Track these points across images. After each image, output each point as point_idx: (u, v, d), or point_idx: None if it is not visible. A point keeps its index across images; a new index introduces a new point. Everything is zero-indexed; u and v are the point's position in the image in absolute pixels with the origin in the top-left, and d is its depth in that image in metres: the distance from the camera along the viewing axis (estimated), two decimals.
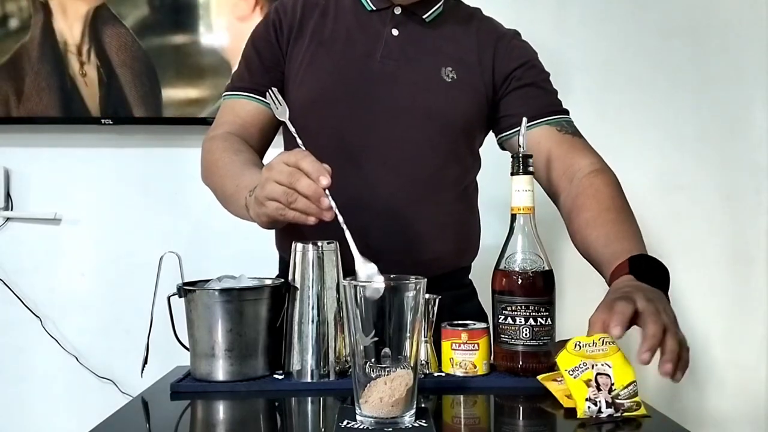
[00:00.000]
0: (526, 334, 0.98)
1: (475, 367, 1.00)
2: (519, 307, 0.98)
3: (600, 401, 0.84)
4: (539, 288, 0.99)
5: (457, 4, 1.32)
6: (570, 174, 1.19)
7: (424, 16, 1.25)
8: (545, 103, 1.25)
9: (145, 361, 1.04)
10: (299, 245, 1.01)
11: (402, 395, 0.78)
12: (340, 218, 0.93)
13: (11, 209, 1.96)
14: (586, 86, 1.95)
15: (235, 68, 1.37)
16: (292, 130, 1.05)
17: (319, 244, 1.00)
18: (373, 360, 0.78)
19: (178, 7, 1.89)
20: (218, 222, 1.93)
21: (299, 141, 1.02)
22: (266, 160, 1.14)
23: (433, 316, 1.02)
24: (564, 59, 1.89)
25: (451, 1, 1.29)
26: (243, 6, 1.88)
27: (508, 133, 1.26)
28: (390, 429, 0.78)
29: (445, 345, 1.01)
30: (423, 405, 0.85)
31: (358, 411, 0.80)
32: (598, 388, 0.85)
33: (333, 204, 0.92)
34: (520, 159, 1.02)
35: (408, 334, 0.78)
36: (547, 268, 1.01)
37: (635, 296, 0.86)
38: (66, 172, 1.97)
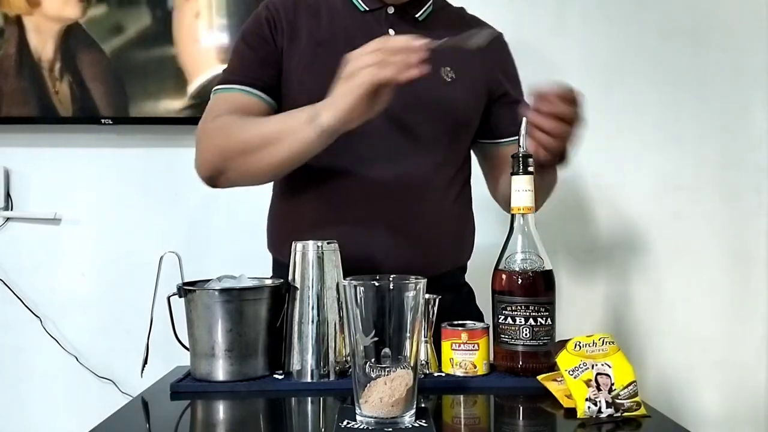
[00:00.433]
0: (526, 334, 0.98)
1: (475, 367, 1.00)
2: (519, 307, 0.98)
3: (600, 401, 0.84)
4: (539, 288, 0.99)
5: (444, 4, 1.32)
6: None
7: (416, 16, 1.25)
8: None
9: (145, 361, 1.04)
10: (299, 245, 1.01)
11: (402, 395, 0.78)
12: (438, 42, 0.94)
13: (11, 209, 1.96)
14: (586, 86, 1.94)
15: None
16: None
17: (319, 244, 1.00)
18: (373, 360, 0.78)
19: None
20: (218, 222, 1.95)
21: None
22: None
23: (433, 316, 1.02)
24: (564, 59, 1.89)
25: (439, 1, 1.30)
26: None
27: (496, 140, 1.31)
28: (390, 429, 0.78)
29: (445, 345, 1.01)
30: (423, 405, 0.85)
31: (358, 411, 0.80)
32: (598, 388, 0.85)
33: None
34: (520, 159, 1.03)
35: (408, 334, 0.78)
36: (547, 268, 1.01)
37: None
38: (66, 172, 1.97)
